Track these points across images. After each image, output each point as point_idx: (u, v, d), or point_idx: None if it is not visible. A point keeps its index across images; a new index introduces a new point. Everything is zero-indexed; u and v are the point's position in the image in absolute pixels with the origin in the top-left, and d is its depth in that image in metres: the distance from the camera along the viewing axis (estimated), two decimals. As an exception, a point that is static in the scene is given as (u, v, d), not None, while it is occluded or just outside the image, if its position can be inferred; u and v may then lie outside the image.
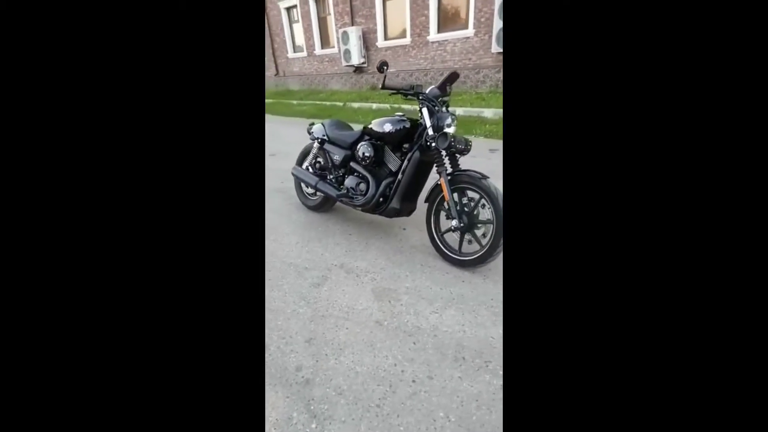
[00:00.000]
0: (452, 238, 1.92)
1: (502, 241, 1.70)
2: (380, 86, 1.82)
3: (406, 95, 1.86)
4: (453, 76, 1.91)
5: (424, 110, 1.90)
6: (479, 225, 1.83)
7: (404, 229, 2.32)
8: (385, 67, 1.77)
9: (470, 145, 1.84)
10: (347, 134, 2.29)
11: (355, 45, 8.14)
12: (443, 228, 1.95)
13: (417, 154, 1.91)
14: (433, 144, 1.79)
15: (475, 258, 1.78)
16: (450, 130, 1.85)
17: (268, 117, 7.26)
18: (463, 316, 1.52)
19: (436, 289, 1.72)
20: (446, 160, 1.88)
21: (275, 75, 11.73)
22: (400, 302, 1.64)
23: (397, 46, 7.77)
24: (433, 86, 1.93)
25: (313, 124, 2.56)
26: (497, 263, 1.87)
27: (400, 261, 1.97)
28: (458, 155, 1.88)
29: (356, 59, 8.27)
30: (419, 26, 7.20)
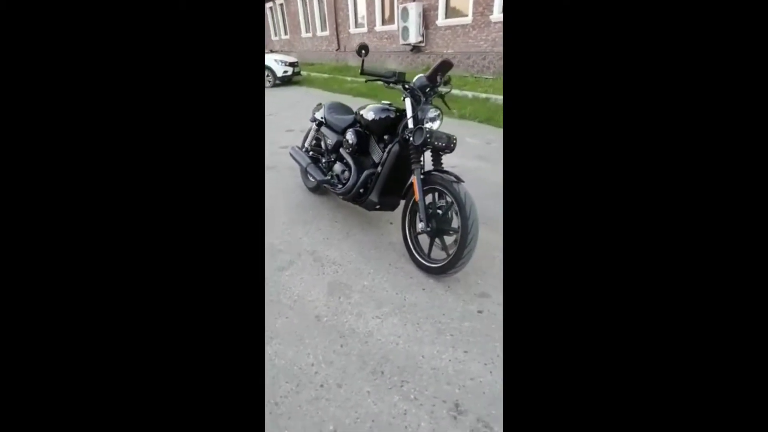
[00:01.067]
0: (426, 241, 1.80)
1: (468, 253, 1.55)
2: (360, 71, 1.71)
3: (387, 83, 1.73)
4: (445, 65, 1.73)
5: (407, 101, 1.76)
6: (451, 231, 1.68)
7: (391, 223, 2.23)
8: (364, 51, 1.65)
9: (454, 143, 1.67)
10: (342, 119, 2.22)
11: (414, 22, 7.82)
12: (418, 229, 1.84)
13: (396, 147, 1.79)
14: (410, 138, 1.66)
15: (438, 266, 1.66)
16: (432, 125, 1.70)
17: (319, 92, 7.38)
18: (404, 327, 1.43)
19: (391, 292, 1.63)
20: (427, 157, 1.74)
21: (336, 50, 11.80)
22: (349, 300, 1.59)
23: (456, 26, 7.31)
24: (421, 75, 1.77)
25: (320, 105, 2.52)
26: (467, 276, 1.72)
27: (371, 257, 1.90)
28: (441, 153, 1.73)
29: (414, 37, 7.96)
30: (482, 4, 6.67)
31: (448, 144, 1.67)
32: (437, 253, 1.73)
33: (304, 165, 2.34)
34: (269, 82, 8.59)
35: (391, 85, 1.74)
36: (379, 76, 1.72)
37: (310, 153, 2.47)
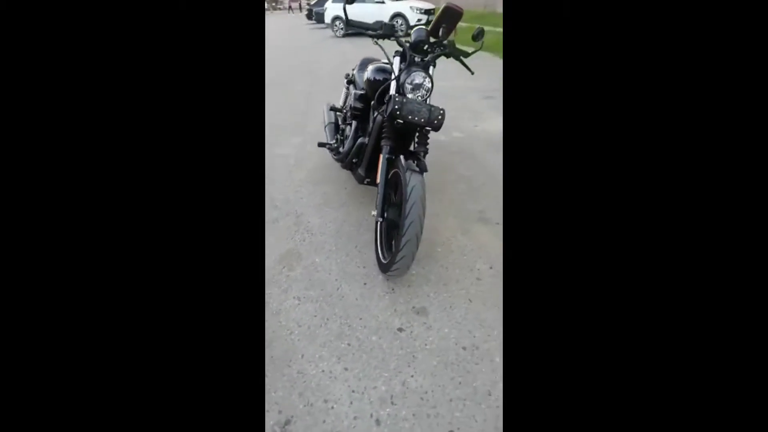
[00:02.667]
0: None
1: (402, 259, 1.28)
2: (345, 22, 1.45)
3: (374, 38, 1.43)
4: (449, 14, 1.32)
5: (396, 60, 1.44)
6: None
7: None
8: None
9: (439, 119, 1.32)
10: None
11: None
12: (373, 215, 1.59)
13: (379, 116, 1.52)
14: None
15: (384, 263, 1.43)
16: (415, 95, 1.37)
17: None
18: (312, 319, 1.32)
19: (332, 277, 1.51)
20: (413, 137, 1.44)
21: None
22: (289, 273, 1.54)
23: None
24: (422, 27, 1.40)
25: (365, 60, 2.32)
26: (422, 283, 1.44)
27: (345, 234, 1.78)
28: (426, 129, 1.40)
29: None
30: None
31: (429, 120, 1.33)
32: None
33: (324, 124, 2.26)
34: (401, 30, 8.38)
35: (377, 40, 1.44)
36: (361, 28, 1.44)
37: (337, 113, 2.35)
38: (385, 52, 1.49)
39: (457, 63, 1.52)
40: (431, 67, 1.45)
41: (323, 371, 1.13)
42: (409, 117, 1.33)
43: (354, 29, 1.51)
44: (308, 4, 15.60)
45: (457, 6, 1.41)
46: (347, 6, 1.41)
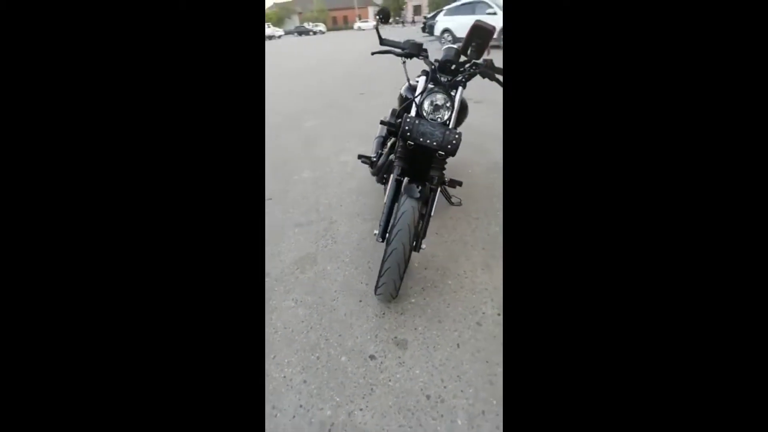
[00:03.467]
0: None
1: (383, 285, 1.23)
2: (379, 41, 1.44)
3: (401, 56, 1.39)
4: (480, 32, 1.21)
5: (421, 79, 1.38)
6: None
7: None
8: (381, 17, 1.36)
9: (453, 144, 1.23)
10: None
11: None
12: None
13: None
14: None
15: (376, 284, 1.37)
16: (435, 117, 1.30)
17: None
18: (295, 316, 1.35)
19: (331, 288, 1.53)
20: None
21: None
22: (299, 276, 1.61)
23: None
24: (450, 45, 1.31)
25: None
26: (414, 314, 1.34)
27: (365, 247, 1.77)
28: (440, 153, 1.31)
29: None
30: None
31: (441, 144, 1.25)
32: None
33: (375, 137, 2.28)
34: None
35: (404, 59, 1.40)
36: (391, 47, 1.41)
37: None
38: (405, 72, 1.44)
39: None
40: (460, 88, 1.36)
41: (284, 377, 1.16)
42: (420, 139, 1.27)
43: (383, 50, 1.49)
44: (425, 18, 15.94)
45: (486, 23, 1.29)
46: (379, 26, 1.41)
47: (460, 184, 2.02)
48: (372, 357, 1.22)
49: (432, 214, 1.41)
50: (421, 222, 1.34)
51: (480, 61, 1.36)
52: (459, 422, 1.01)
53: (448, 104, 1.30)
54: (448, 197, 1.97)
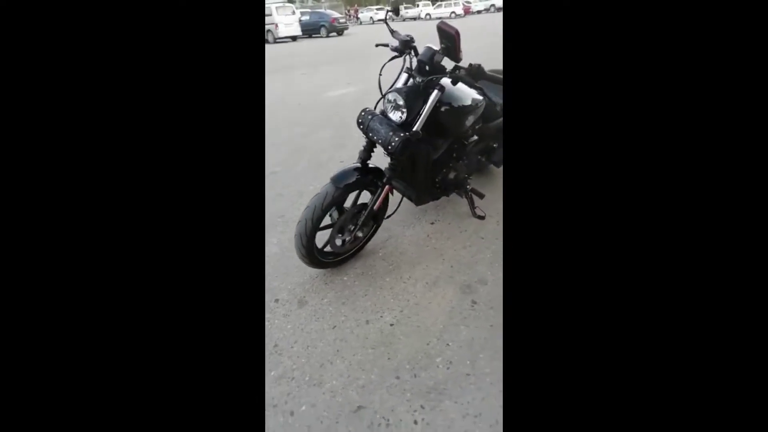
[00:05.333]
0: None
1: (296, 246, 1.48)
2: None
3: (396, 50, 1.51)
4: (444, 34, 1.28)
5: (402, 77, 1.51)
6: None
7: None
8: (391, 13, 1.50)
9: (394, 145, 1.37)
10: None
11: None
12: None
13: None
14: None
15: None
16: (395, 115, 1.43)
17: None
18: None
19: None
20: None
21: None
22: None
23: None
24: (429, 45, 1.39)
25: None
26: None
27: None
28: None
29: None
30: None
31: (384, 143, 1.39)
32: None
33: None
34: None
35: (396, 54, 1.52)
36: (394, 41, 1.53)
37: None
38: (381, 71, 1.55)
39: None
40: (435, 91, 1.41)
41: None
42: (370, 134, 1.42)
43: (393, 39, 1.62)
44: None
45: (449, 26, 1.28)
46: (389, 19, 1.56)
47: (481, 196, 2.00)
48: (277, 300, 1.51)
49: (375, 208, 1.54)
50: (345, 210, 1.53)
51: (463, 64, 1.38)
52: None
53: (401, 104, 1.39)
54: (472, 207, 1.97)
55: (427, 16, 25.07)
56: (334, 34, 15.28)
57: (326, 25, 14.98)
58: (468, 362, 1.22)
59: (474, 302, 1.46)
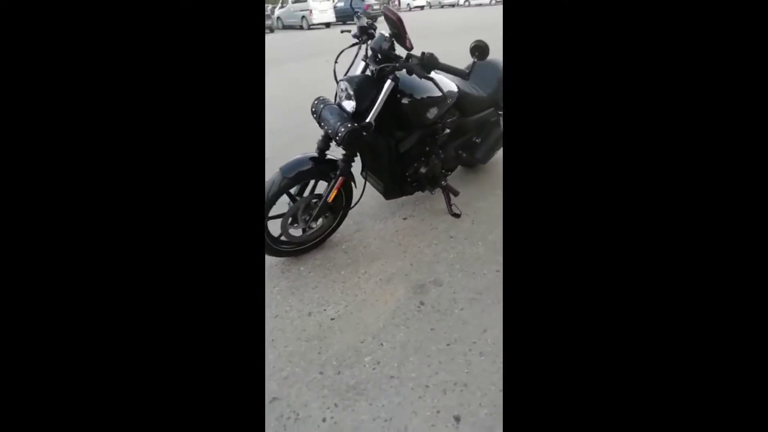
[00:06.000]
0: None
1: None
2: None
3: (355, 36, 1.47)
4: (389, 22, 1.23)
5: (361, 65, 1.51)
6: None
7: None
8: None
9: (340, 136, 1.34)
10: None
11: None
12: None
13: None
14: None
15: None
16: (347, 104, 1.39)
17: None
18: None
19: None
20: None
21: None
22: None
23: None
24: (382, 33, 1.35)
25: None
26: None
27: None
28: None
29: None
30: None
31: (333, 132, 1.36)
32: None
33: None
34: None
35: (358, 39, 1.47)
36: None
37: None
38: (336, 59, 1.50)
39: None
40: (388, 81, 1.36)
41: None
42: (321, 123, 1.39)
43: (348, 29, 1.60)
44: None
45: (391, 11, 1.21)
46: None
47: (455, 193, 1.92)
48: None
49: (329, 199, 1.52)
50: (294, 200, 1.52)
51: (414, 53, 1.31)
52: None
53: (351, 93, 1.35)
54: (448, 204, 1.91)
55: (467, 3, 23.86)
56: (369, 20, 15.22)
57: (360, 11, 14.98)
58: (396, 364, 1.18)
59: (422, 303, 1.41)
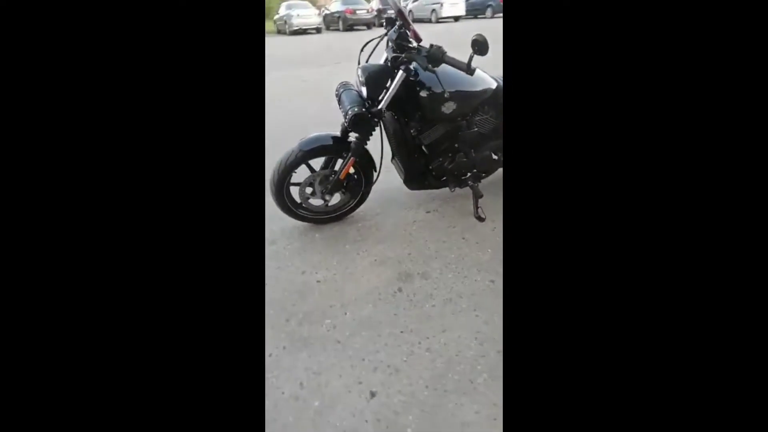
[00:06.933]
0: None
1: None
2: None
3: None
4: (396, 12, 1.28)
5: (385, 53, 1.58)
6: None
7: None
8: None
9: (348, 119, 1.47)
10: None
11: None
12: None
13: None
14: None
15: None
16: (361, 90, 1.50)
17: None
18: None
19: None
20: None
21: None
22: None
23: None
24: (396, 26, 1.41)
25: None
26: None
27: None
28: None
29: None
30: None
31: (344, 114, 1.50)
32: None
33: None
34: None
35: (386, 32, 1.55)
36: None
37: None
38: (363, 47, 1.58)
39: None
40: (400, 71, 1.42)
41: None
42: (339, 105, 1.52)
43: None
44: None
45: (393, 2, 1.22)
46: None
47: (480, 195, 1.87)
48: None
49: (341, 177, 1.66)
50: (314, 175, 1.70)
51: (417, 45, 1.34)
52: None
53: (362, 80, 1.44)
54: (475, 206, 1.89)
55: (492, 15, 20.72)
56: (500, 15, 14.45)
57: (493, 5, 14.30)
58: (348, 333, 1.28)
59: (399, 290, 1.46)
